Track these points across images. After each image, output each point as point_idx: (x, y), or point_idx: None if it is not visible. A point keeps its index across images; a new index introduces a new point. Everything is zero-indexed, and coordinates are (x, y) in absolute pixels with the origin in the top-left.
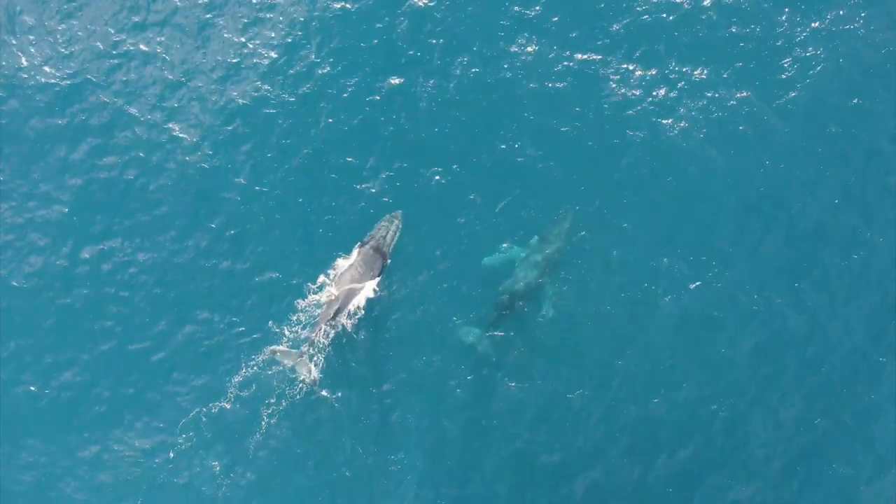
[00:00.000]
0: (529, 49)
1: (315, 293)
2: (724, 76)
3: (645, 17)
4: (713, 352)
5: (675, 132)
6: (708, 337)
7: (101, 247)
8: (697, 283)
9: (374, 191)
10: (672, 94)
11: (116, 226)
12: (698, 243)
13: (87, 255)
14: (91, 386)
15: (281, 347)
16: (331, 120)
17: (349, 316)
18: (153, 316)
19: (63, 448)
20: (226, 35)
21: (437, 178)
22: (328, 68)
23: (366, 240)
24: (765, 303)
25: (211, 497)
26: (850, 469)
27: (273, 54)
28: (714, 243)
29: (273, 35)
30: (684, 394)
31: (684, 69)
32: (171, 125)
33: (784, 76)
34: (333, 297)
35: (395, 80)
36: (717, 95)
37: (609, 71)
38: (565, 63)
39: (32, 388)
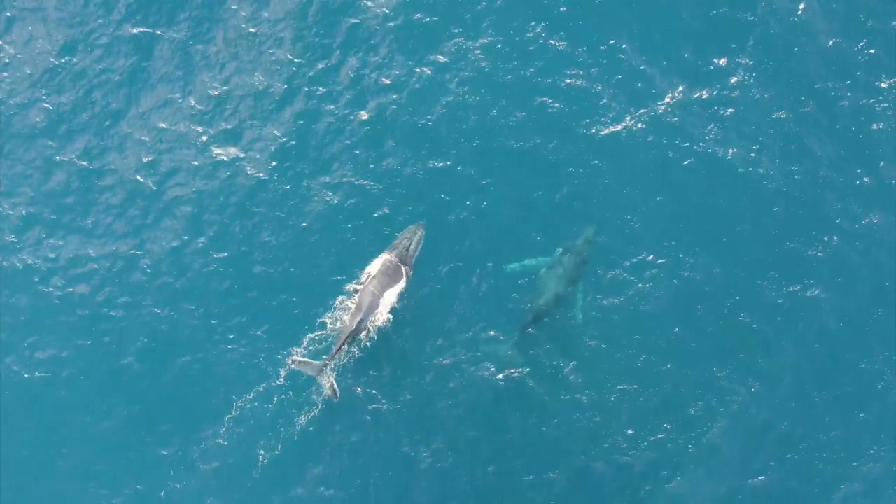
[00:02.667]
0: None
1: (338, 305)
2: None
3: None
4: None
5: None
6: (742, 343)
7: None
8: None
9: (395, 201)
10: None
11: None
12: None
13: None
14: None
15: (304, 359)
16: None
17: (373, 327)
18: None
19: None
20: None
21: (462, 188)
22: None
23: (388, 250)
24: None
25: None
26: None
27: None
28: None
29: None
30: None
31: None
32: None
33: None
34: (356, 309)
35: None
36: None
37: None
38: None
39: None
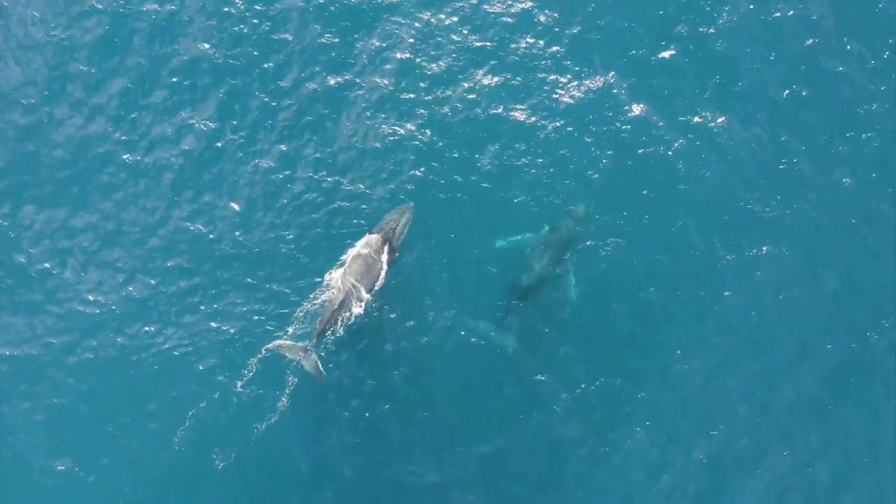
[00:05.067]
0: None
1: (321, 284)
2: None
3: None
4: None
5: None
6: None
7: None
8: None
9: (380, 181)
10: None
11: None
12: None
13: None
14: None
15: (285, 342)
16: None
17: (356, 306)
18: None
19: None
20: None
21: (450, 167)
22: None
23: (375, 230)
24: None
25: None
26: None
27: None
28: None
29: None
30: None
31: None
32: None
33: None
34: (339, 288)
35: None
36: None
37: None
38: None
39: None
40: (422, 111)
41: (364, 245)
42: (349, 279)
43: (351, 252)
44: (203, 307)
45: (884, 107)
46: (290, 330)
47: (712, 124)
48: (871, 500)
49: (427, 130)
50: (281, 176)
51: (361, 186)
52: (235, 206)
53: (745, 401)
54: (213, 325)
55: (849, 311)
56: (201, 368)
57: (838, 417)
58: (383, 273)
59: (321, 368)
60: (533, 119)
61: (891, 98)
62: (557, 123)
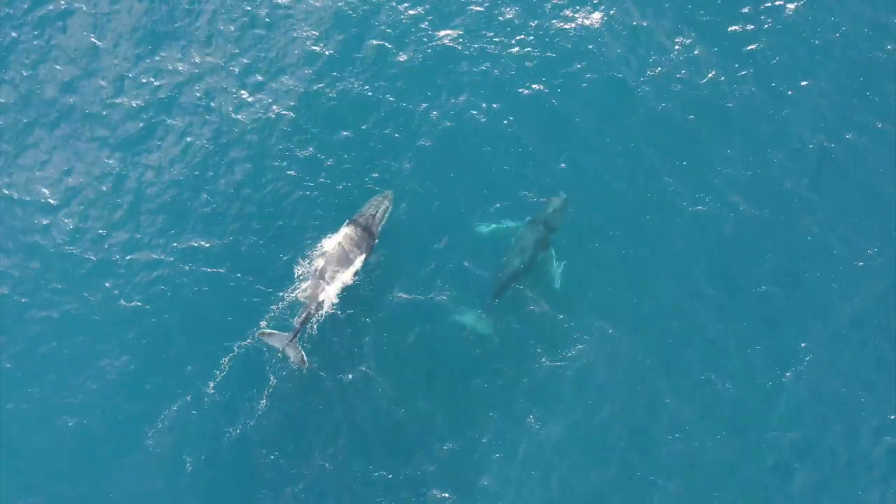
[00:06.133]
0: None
1: (302, 272)
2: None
3: None
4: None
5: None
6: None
7: None
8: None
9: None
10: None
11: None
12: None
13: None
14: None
15: (269, 331)
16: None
17: (337, 295)
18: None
19: None
20: None
21: (429, 154)
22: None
23: (355, 217)
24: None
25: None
26: None
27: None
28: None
29: None
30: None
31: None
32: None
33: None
34: (320, 278)
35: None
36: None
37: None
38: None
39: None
40: (391, 98)
41: (344, 233)
42: (329, 268)
43: (330, 240)
44: (176, 304)
45: None
46: (264, 323)
47: None
48: None
49: (402, 118)
50: (250, 166)
51: (338, 175)
52: (206, 197)
53: (729, 357)
54: (187, 321)
55: None
56: (174, 368)
57: None
58: (363, 261)
59: (305, 358)
60: (515, 102)
61: None
62: (542, 103)
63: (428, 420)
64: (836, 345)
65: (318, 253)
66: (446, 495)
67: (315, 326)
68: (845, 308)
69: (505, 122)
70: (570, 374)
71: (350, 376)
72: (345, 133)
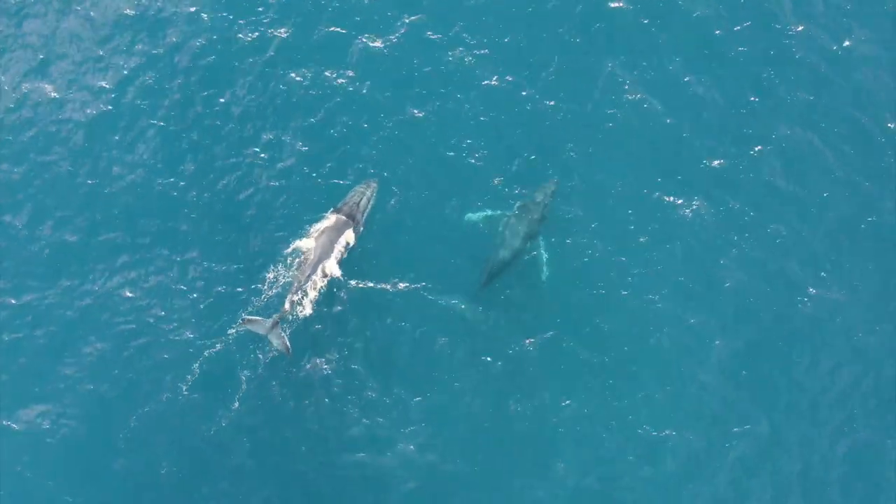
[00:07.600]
0: None
1: (286, 260)
2: None
3: None
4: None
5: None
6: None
7: None
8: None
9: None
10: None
11: None
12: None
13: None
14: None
15: (253, 317)
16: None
17: (323, 282)
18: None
19: None
20: None
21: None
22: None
23: (339, 206)
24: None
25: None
26: None
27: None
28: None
29: None
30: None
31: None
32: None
33: None
34: (305, 264)
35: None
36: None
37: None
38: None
39: None
40: (388, 94)
41: (329, 221)
42: (314, 256)
43: (316, 227)
44: (152, 299)
45: None
46: (250, 309)
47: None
48: None
49: (395, 105)
50: (233, 158)
51: (325, 162)
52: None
53: (719, 353)
54: (162, 316)
55: None
56: (150, 368)
57: None
58: (348, 249)
59: (288, 344)
60: (505, 87)
61: None
62: (526, 93)
63: (410, 410)
64: None
65: (304, 241)
66: (428, 486)
67: (299, 314)
68: None
69: (483, 110)
70: (559, 363)
71: (332, 366)
72: (327, 124)
